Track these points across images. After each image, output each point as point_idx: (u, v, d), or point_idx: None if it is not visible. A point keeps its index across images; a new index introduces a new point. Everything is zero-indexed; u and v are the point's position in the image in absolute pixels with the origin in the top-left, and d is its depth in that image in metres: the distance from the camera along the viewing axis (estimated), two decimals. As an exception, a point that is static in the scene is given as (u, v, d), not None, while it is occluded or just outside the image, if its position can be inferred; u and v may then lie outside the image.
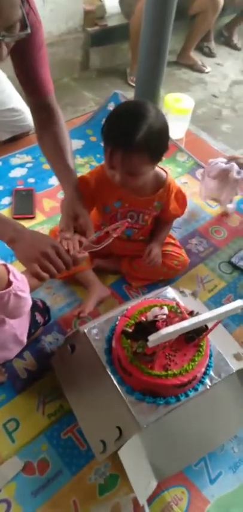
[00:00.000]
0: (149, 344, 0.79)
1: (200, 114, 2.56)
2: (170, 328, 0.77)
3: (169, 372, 0.88)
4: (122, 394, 0.89)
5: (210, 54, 3.06)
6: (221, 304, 1.30)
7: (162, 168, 1.22)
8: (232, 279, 1.39)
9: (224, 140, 2.32)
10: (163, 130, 1.06)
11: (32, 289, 0.89)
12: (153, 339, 0.77)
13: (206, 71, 2.90)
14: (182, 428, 0.90)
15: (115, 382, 0.91)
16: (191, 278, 1.37)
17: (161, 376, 0.88)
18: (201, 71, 2.90)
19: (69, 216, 1.05)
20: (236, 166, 1.44)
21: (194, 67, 2.90)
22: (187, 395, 0.90)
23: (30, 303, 0.91)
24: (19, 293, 0.86)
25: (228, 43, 3.20)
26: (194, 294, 1.17)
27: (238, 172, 1.43)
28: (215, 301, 1.32)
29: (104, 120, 1.08)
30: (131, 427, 0.86)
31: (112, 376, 0.92)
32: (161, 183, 1.22)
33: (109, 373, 0.92)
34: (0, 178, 1.65)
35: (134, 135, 1.01)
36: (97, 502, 0.92)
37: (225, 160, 1.50)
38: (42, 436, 1.00)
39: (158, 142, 1.06)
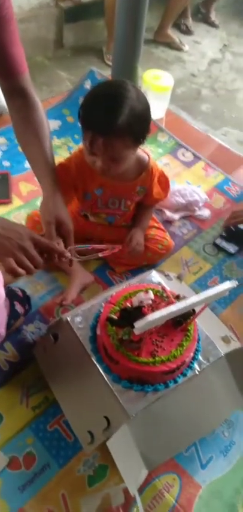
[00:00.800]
0: (136, 331, 0.76)
1: (180, 93, 2.52)
2: (157, 314, 0.74)
3: (157, 359, 0.86)
4: (109, 383, 0.86)
5: (187, 32, 3.00)
6: (207, 287, 1.29)
7: (144, 151, 1.18)
8: (217, 261, 1.37)
9: (204, 120, 2.29)
10: (145, 110, 1.01)
11: (6, 284, 0.82)
12: (139, 325, 0.74)
13: (185, 49, 2.85)
14: (171, 415, 0.88)
15: (101, 370, 0.88)
16: (175, 261, 1.35)
17: (148, 363, 0.85)
18: (179, 49, 2.84)
19: (51, 224, 0.95)
20: None
21: (172, 45, 2.85)
22: (175, 381, 0.88)
23: (2, 295, 0.85)
24: None
25: (206, 20, 3.15)
26: (179, 277, 1.15)
27: None
28: (201, 284, 1.30)
29: (81, 99, 1.02)
30: (119, 417, 0.84)
31: (97, 365, 0.89)
32: (143, 167, 1.17)
33: (95, 362, 0.89)
34: None
35: (115, 119, 0.95)
36: (87, 493, 0.90)
37: None
38: (27, 429, 0.96)
39: (141, 124, 1.01)
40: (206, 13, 3.14)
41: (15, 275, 0.84)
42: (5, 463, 0.92)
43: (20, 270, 0.83)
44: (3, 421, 0.97)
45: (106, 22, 2.53)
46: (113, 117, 0.95)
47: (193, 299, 0.76)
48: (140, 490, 0.89)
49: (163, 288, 0.93)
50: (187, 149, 1.74)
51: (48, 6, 2.44)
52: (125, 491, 0.89)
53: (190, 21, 3.02)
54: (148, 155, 1.19)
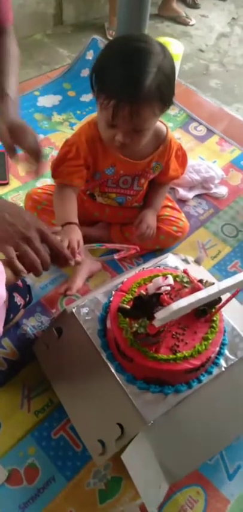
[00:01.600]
0: (157, 323, 0.63)
1: (187, 69, 2.39)
2: (183, 302, 0.61)
3: (178, 355, 0.74)
4: (122, 384, 0.75)
5: (194, 5, 2.85)
6: (227, 272, 1.16)
7: (160, 121, 1.03)
8: (237, 243, 1.24)
9: (214, 96, 2.16)
10: (173, 68, 0.87)
11: (8, 283, 0.71)
12: (162, 316, 0.61)
13: (191, 23, 2.70)
14: (195, 420, 0.76)
15: (112, 370, 0.77)
16: (190, 245, 1.22)
17: (169, 360, 0.74)
18: (185, 24, 2.70)
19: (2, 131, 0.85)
20: None
21: (177, 19, 2.70)
22: (199, 380, 0.76)
23: (3, 296, 0.72)
24: None
25: (213, -8, 2.98)
26: (197, 261, 1.02)
27: None
28: (220, 269, 1.17)
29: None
30: (135, 424, 0.72)
31: (108, 363, 0.78)
32: (161, 140, 1.04)
33: (105, 360, 0.78)
34: None
35: (144, 80, 0.81)
36: (98, 511, 0.78)
37: None
38: (28, 437, 0.86)
39: (170, 86, 0.87)
40: (213, -15, 2.98)
41: (14, 271, 0.71)
42: (3, 478, 0.81)
43: (19, 266, 0.70)
44: (2, 428, 0.86)
45: (108, -5, 2.38)
46: (141, 79, 0.81)
47: (225, 283, 0.63)
48: (160, 506, 0.77)
49: (185, 272, 0.80)
50: (200, 123, 1.60)
51: (46, -21, 2.30)
52: (143, 508, 0.78)
53: (196, -6, 2.86)
54: (165, 126, 1.05)
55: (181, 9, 2.73)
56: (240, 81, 2.40)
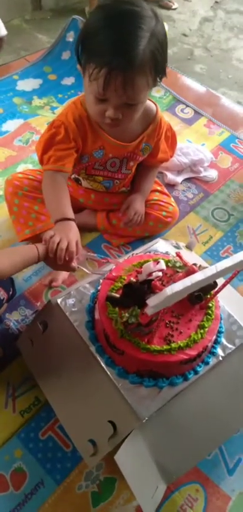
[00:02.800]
0: (150, 310, 0.57)
1: (171, 54, 2.33)
2: (178, 285, 0.55)
3: (173, 345, 0.69)
4: (113, 379, 0.70)
5: (176, -11, 2.80)
6: (219, 258, 1.11)
7: (149, 99, 0.97)
8: (229, 227, 1.19)
9: (200, 81, 2.10)
10: (165, 34, 0.81)
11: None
12: (156, 302, 0.56)
13: (174, 7, 2.66)
14: (193, 414, 0.71)
15: (102, 364, 0.72)
16: (181, 230, 1.17)
17: (162, 351, 0.69)
18: (168, 8, 2.66)
19: None
20: None
21: (160, 3, 2.66)
22: (195, 372, 0.72)
23: None
24: None
25: (195, -24, 2.93)
26: (189, 247, 0.97)
27: None
28: (212, 255, 1.12)
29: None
30: (129, 421, 0.67)
31: (98, 357, 0.73)
32: (150, 119, 0.98)
33: (94, 353, 0.73)
34: None
35: (137, 45, 0.75)
36: (91, 516, 0.74)
37: None
38: (14, 439, 0.80)
39: (163, 53, 0.81)
40: None
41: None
42: (-13, 485, 0.75)
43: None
44: (-15, 432, 0.80)
45: (88, -22, 2.31)
46: (134, 44, 0.75)
47: (223, 263, 0.58)
48: (157, 507, 0.72)
49: (179, 255, 0.75)
50: (187, 105, 1.55)
51: None
52: (139, 510, 0.73)
53: (179, -23, 2.81)
54: (155, 104, 0.99)
55: (163, -7, 2.68)
56: (226, 65, 2.36)
